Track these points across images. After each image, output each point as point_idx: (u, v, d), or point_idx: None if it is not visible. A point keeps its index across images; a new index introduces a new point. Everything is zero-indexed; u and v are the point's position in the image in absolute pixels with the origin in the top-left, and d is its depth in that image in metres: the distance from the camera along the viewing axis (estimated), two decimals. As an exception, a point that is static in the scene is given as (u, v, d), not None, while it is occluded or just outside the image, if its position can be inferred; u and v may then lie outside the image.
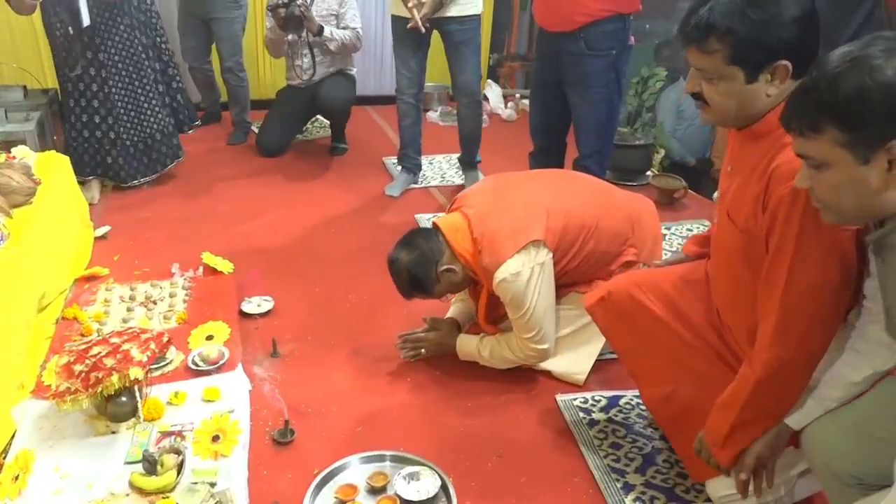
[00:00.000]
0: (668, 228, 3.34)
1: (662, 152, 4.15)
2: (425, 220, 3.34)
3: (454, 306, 2.44)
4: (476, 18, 3.34)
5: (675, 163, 4.31)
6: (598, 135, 2.91)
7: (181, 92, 4.24)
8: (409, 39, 3.37)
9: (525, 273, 2.01)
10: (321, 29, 3.80)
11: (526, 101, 4.94)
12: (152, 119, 3.51)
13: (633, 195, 2.44)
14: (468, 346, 2.24)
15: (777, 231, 1.32)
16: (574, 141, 3.01)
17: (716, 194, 3.63)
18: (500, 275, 2.01)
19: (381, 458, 1.87)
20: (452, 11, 3.25)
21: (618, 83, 2.84)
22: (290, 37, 3.83)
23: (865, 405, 1.27)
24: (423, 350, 2.29)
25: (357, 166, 4.02)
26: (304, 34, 3.83)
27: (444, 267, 2.11)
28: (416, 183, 3.80)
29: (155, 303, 2.44)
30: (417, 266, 2.11)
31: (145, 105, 3.47)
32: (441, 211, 3.45)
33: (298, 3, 3.66)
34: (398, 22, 3.37)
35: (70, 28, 3.14)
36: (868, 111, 0.97)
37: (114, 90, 3.32)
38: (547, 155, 3.12)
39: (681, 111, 4.66)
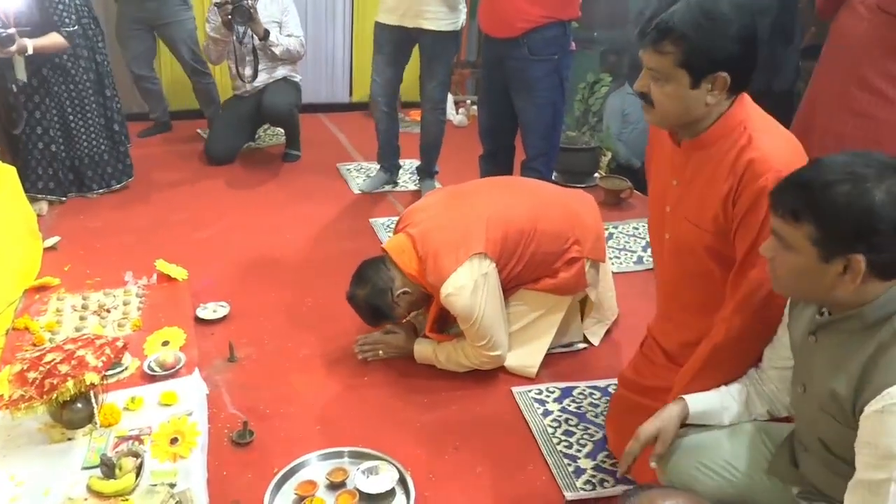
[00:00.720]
0: (616, 227, 3.46)
1: (609, 155, 4.29)
2: (380, 223, 3.39)
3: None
4: (454, 35, 3.42)
5: (621, 165, 4.45)
6: (545, 137, 3.01)
7: (118, 112, 3.86)
8: (388, 47, 3.46)
9: (469, 285, 2.09)
10: (267, 33, 3.83)
11: (475, 108, 5.04)
12: (85, 142, 3.47)
13: (572, 193, 2.54)
14: (425, 350, 2.29)
15: (758, 217, 1.42)
16: (521, 143, 3.11)
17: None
18: (445, 290, 2.09)
19: (340, 455, 1.91)
20: (431, 25, 3.32)
21: (561, 87, 2.95)
22: (234, 37, 3.81)
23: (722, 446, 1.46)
24: (380, 352, 2.34)
25: (311, 173, 4.04)
26: (249, 36, 3.83)
27: (399, 291, 2.21)
28: (393, 185, 3.86)
29: (108, 311, 2.43)
30: (373, 297, 2.22)
31: (78, 126, 3.43)
32: (395, 216, 3.50)
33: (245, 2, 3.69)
34: (382, 29, 3.44)
35: (12, 85, 3.17)
36: (845, 223, 1.07)
37: (52, 106, 3.31)
38: (496, 157, 3.21)
39: (626, 115, 4.81)
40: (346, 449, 1.91)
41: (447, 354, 2.25)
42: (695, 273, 1.65)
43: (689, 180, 1.59)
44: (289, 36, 3.96)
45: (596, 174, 4.08)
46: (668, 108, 1.50)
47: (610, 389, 2.22)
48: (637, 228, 3.47)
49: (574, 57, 3.00)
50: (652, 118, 1.56)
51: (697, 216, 1.57)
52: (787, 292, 1.24)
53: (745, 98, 1.52)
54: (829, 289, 1.12)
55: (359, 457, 1.89)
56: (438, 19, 3.32)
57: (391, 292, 2.21)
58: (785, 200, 1.13)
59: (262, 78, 4.00)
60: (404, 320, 2.38)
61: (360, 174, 4.02)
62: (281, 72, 4.06)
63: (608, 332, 2.57)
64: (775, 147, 1.45)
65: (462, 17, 3.43)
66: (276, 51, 3.92)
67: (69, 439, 1.85)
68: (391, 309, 2.24)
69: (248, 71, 3.97)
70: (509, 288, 2.29)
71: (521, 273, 2.27)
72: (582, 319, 2.49)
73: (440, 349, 2.26)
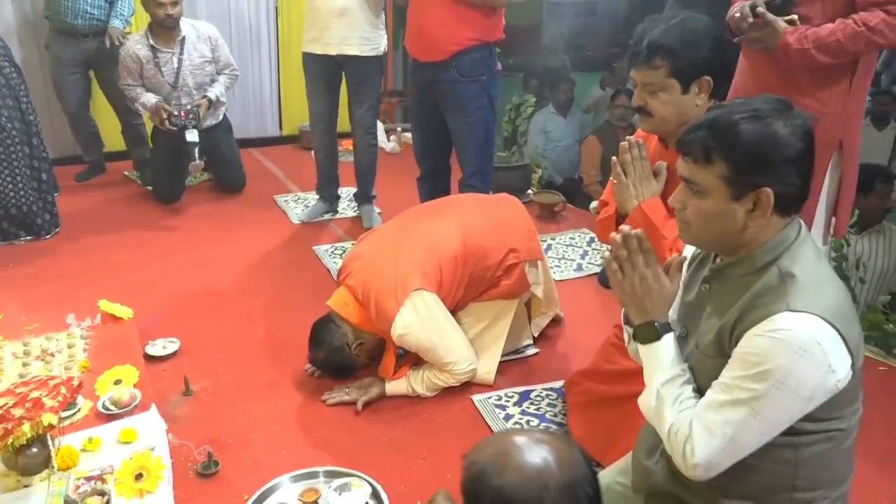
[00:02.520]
0: (553, 238, 3.59)
1: (540, 171, 4.44)
2: (323, 251, 3.40)
3: None
4: (377, 59, 3.50)
5: (551, 181, 4.62)
6: (479, 155, 3.11)
7: (45, 160, 3.69)
8: (319, 77, 3.53)
9: (416, 322, 2.15)
10: (210, 104, 3.87)
11: (406, 134, 5.13)
12: (12, 193, 3.36)
13: (495, 199, 2.62)
14: (399, 387, 2.28)
15: None
16: (457, 162, 3.20)
17: (593, 205, 3.93)
18: (395, 331, 2.15)
19: (314, 475, 1.91)
20: (355, 51, 3.39)
21: (491, 106, 3.06)
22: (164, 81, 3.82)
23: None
24: (346, 397, 2.27)
25: (248, 206, 4.02)
26: (180, 73, 3.83)
27: (355, 343, 2.25)
28: (333, 213, 3.87)
29: (52, 355, 2.35)
30: (333, 356, 2.26)
31: (4, 176, 3.32)
32: (338, 242, 3.53)
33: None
34: (310, 59, 3.50)
35: None
36: (754, 156, 1.15)
37: None
38: (433, 178, 3.29)
39: (548, 133, 5.01)
40: (320, 469, 1.92)
41: (424, 384, 2.27)
42: None
43: (674, 181, 1.72)
44: (223, 69, 3.98)
45: (529, 190, 4.21)
46: (665, 114, 1.71)
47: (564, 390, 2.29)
48: (573, 238, 3.60)
49: (502, 80, 3.13)
50: (650, 126, 1.76)
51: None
52: (698, 240, 1.27)
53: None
54: (739, 230, 1.18)
55: (332, 476, 1.90)
56: (361, 45, 3.40)
57: (348, 346, 2.25)
58: (695, 143, 1.19)
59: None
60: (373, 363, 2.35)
61: (298, 204, 4.02)
62: (211, 119, 4.00)
63: (554, 336, 2.67)
64: None
65: (384, 43, 3.53)
66: (223, 99, 3.99)
67: (25, 486, 1.78)
68: (353, 362, 2.28)
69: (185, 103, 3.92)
70: (457, 308, 2.36)
71: (465, 295, 2.34)
72: (531, 319, 2.57)
73: (415, 381, 2.27)
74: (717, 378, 1.18)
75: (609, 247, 1.31)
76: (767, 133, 1.15)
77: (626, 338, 1.42)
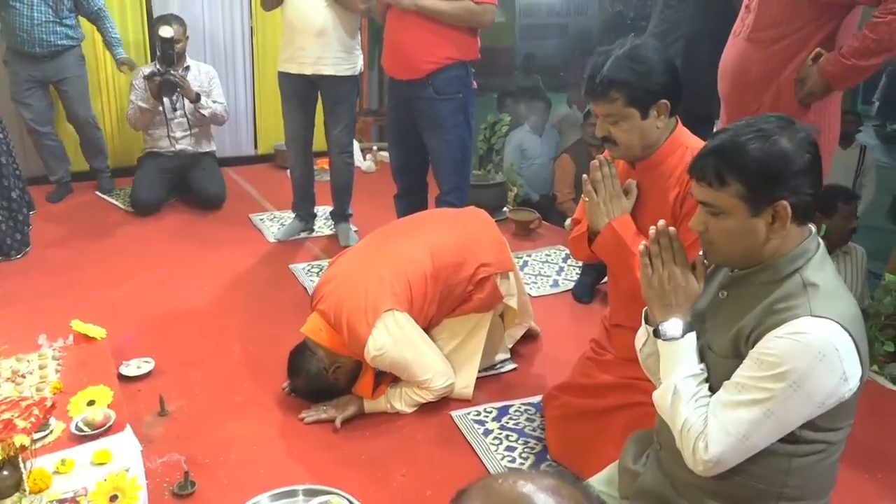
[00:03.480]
0: (530, 255, 3.62)
1: (515, 189, 4.49)
2: (300, 269, 3.39)
3: None
4: (353, 79, 3.53)
5: (526, 199, 4.67)
6: (456, 171, 3.13)
7: (17, 178, 3.66)
8: (294, 96, 3.54)
9: (389, 342, 2.15)
10: (198, 96, 4.02)
11: (382, 153, 5.15)
12: None
13: (463, 214, 2.64)
14: (379, 405, 2.29)
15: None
16: (434, 179, 3.22)
17: (567, 222, 3.97)
18: (369, 354, 2.15)
19: (293, 494, 1.89)
20: (331, 71, 3.41)
21: (468, 123, 3.10)
22: (162, 106, 3.99)
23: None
24: (323, 415, 2.27)
25: (224, 225, 3.99)
26: (179, 101, 4.04)
27: (333, 368, 2.25)
28: (309, 232, 3.87)
29: (24, 376, 2.30)
30: (312, 383, 2.27)
31: None
32: (314, 260, 3.52)
33: (173, 72, 3.86)
34: (285, 78, 3.51)
35: None
36: (767, 172, 1.20)
37: None
38: (410, 195, 3.31)
39: (524, 151, 5.07)
40: (299, 487, 1.90)
41: (402, 400, 2.28)
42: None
43: (645, 197, 1.81)
44: (215, 102, 4.17)
45: (505, 208, 4.25)
46: (629, 142, 1.75)
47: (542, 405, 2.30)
48: (549, 255, 3.64)
49: (477, 99, 3.17)
50: (617, 153, 1.80)
51: (654, 222, 1.72)
52: (724, 258, 1.32)
53: (681, 126, 1.80)
54: (762, 243, 1.23)
55: (312, 494, 1.88)
56: (336, 65, 3.42)
57: (325, 371, 2.25)
58: (708, 168, 1.24)
59: (189, 140, 4.18)
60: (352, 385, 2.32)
61: (274, 223, 4.01)
62: (203, 141, 4.26)
63: (532, 351, 2.69)
64: None
65: (359, 62, 3.55)
66: (206, 113, 4.10)
67: (-4, 510, 1.74)
68: (333, 386, 2.28)
69: (178, 133, 4.13)
70: (431, 325, 2.37)
71: (438, 311, 2.34)
72: (505, 330, 2.58)
73: (394, 399, 2.28)
74: (728, 378, 1.22)
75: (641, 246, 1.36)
76: (775, 150, 1.20)
77: (640, 339, 1.43)
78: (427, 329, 2.33)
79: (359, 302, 2.18)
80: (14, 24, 3.82)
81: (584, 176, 1.85)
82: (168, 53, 3.86)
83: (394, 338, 2.16)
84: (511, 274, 2.48)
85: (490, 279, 2.37)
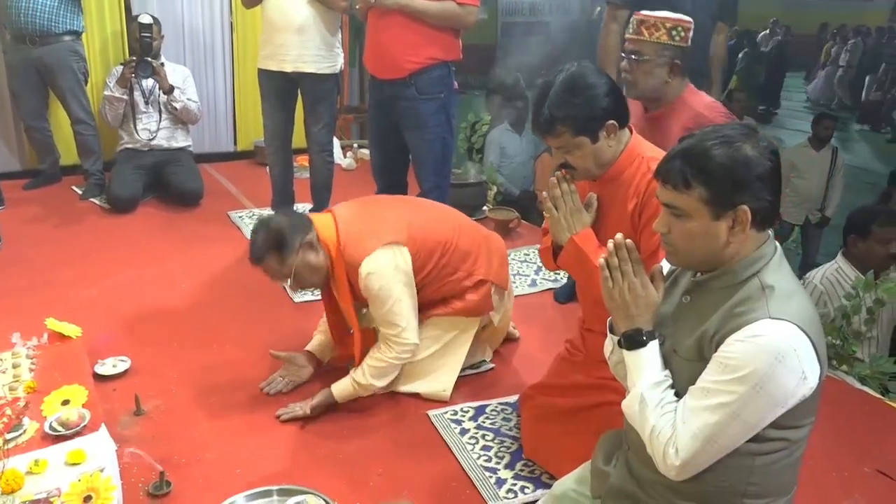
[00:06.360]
0: (509, 254, 3.62)
1: (495, 188, 4.51)
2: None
3: (314, 339, 2.51)
4: (333, 77, 3.52)
5: (507, 198, 4.69)
6: (437, 171, 3.15)
7: None
8: (273, 94, 3.53)
9: (390, 265, 2.18)
10: (172, 87, 4.06)
11: (363, 151, 5.15)
12: None
13: (478, 224, 2.69)
14: (344, 385, 2.26)
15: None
16: (414, 178, 3.23)
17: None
18: (365, 268, 2.16)
19: (269, 494, 1.89)
20: (311, 69, 3.40)
21: (449, 123, 3.12)
22: (139, 93, 4.05)
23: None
24: (299, 412, 2.25)
25: (202, 223, 3.97)
26: (153, 96, 4.08)
27: (308, 240, 2.20)
28: None
29: (-4, 376, 2.29)
30: (285, 227, 2.19)
31: None
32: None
33: (148, 58, 3.97)
34: (265, 76, 3.50)
35: None
36: (730, 176, 1.23)
37: None
38: (390, 193, 3.30)
39: (503, 149, 5.09)
40: (273, 487, 1.90)
41: (363, 371, 2.23)
42: None
43: (605, 210, 1.84)
44: (189, 100, 4.20)
45: (485, 207, 4.27)
46: (586, 166, 1.79)
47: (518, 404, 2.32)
48: (528, 255, 3.66)
49: (458, 98, 3.18)
50: (577, 177, 1.83)
51: (614, 234, 1.75)
52: (684, 260, 1.35)
53: (637, 135, 1.83)
54: (723, 246, 1.26)
55: (287, 494, 1.88)
56: (317, 62, 3.42)
57: (301, 236, 2.18)
58: (673, 172, 1.27)
59: (163, 135, 4.18)
60: (288, 281, 2.28)
61: (253, 220, 3.95)
62: (179, 137, 4.27)
63: (510, 351, 2.71)
64: None
65: (340, 60, 3.55)
66: (178, 106, 4.13)
67: (-33, 511, 1.73)
68: (291, 249, 2.16)
69: (152, 126, 4.15)
70: (420, 310, 2.35)
71: (431, 283, 2.34)
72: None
73: (357, 375, 2.24)
74: (694, 382, 1.25)
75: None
76: (739, 156, 1.23)
77: (608, 348, 1.46)
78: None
79: (375, 224, 2.25)
80: (12, 3, 3.87)
81: (544, 193, 1.87)
82: (146, 41, 3.92)
83: (394, 265, 2.18)
84: (505, 293, 2.52)
85: (487, 284, 2.40)
